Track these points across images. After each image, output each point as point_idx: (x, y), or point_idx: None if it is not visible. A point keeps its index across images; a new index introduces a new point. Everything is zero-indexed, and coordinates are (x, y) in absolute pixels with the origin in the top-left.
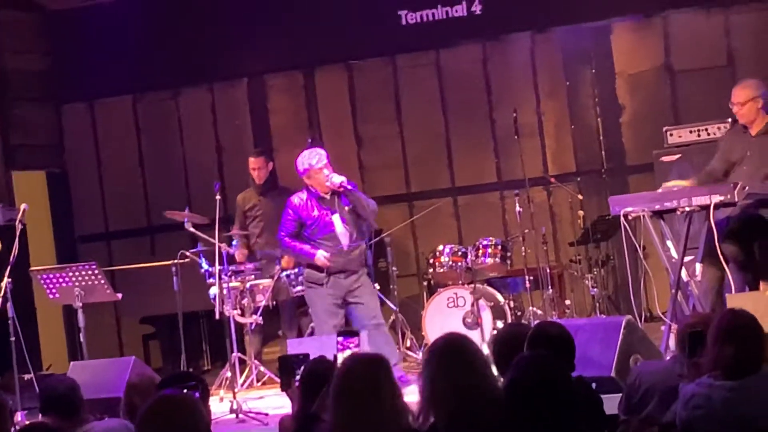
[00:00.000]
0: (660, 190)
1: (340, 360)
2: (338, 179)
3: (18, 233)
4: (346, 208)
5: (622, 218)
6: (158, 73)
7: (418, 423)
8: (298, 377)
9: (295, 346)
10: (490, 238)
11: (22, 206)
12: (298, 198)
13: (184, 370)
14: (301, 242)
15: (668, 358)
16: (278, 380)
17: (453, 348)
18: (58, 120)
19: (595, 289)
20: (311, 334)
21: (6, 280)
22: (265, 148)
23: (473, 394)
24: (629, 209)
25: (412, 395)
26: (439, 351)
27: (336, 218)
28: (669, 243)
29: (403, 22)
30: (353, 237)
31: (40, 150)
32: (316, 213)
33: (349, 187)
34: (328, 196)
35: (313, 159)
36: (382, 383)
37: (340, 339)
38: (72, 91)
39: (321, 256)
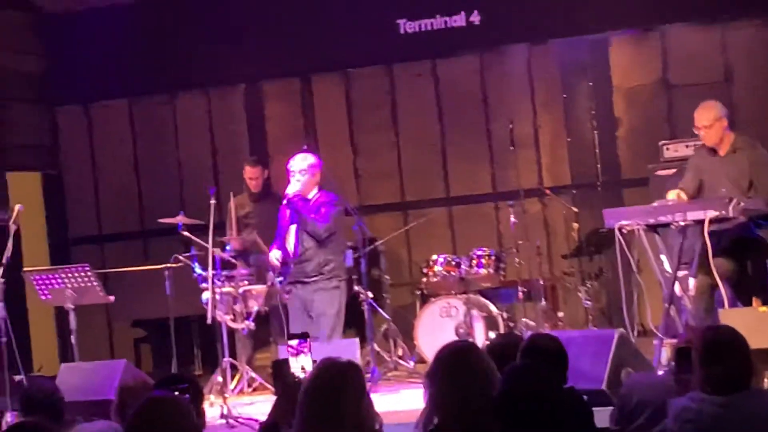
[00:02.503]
0: (655, 204)
1: (293, 365)
2: (290, 188)
3: (11, 234)
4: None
5: (616, 231)
6: (154, 77)
7: (421, 425)
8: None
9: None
10: (484, 249)
11: (17, 207)
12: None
13: (177, 372)
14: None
15: (661, 372)
16: (269, 386)
17: (461, 355)
18: (53, 122)
19: (589, 302)
20: None
21: None
22: (260, 154)
23: (478, 400)
24: (624, 222)
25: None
26: (446, 357)
27: (293, 227)
28: (663, 257)
29: (401, 31)
30: (304, 247)
31: (35, 151)
32: (287, 219)
33: (293, 200)
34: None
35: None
36: (347, 389)
37: (292, 343)
38: (68, 94)
39: (273, 255)
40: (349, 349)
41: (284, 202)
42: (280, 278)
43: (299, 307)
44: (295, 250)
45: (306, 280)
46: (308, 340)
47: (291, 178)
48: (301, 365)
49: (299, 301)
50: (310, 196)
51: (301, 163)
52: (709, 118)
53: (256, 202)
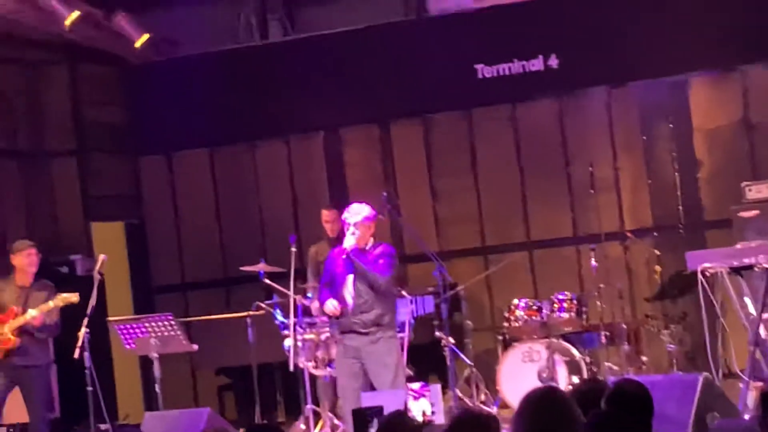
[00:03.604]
0: (739, 246)
1: (412, 408)
2: (346, 242)
3: (96, 283)
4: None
5: (699, 274)
6: (235, 126)
7: None
8: (373, 430)
9: (369, 399)
10: (566, 293)
11: (101, 257)
12: (336, 250)
13: (262, 423)
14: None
15: (747, 417)
16: None
17: (546, 401)
18: (136, 172)
19: (672, 346)
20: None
21: (83, 330)
22: (340, 201)
23: None
24: (707, 265)
25: None
26: (532, 403)
27: (350, 277)
28: (747, 299)
29: (480, 76)
30: (362, 299)
31: (119, 201)
32: (341, 268)
33: (351, 254)
34: (348, 260)
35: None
36: None
37: (414, 386)
38: (150, 144)
39: (330, 303)
40: (432, 395)
41: (343, 256)
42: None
43: (351, 357)
44: (353, 302)
45: (362, 330)
46: (429, 385)
47: (346, 231)
48: (422, 409)
49: (352, 351)
50: (366, 248)
51: (356, 215)
52: None
53: (334, 247)
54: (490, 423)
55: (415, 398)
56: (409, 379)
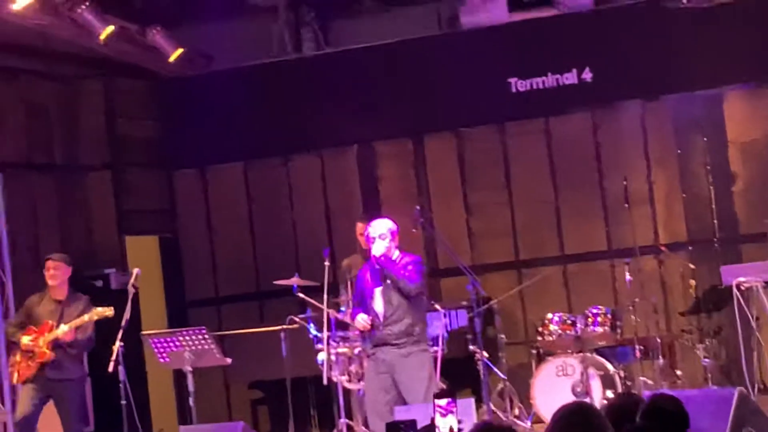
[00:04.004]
0: None
1: (440, 425)
2: (376, 250)
3: (130, 297)
4: (387, 281)
5: (734, 288)
6: (269, 140)
7: None
8: None
9: (402, 413)
10: (600, 307)
11: (135, 271)
12: (364, 268)
13: None
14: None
15: None
16: None
17: (579, 415)
18: (170, 186)
19: (707, 360)
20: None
21: (118, 343)
22: (373, 214)
23: None
24: (742, 279)
25: None
26: (565, 417)
27: (378, 290)
28: None
29: (513, 90)
30: (392, 309)
31: (153, 215)
32: (369, 282)
33: (381, 260)
34: (378, 267)
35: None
36: None
37: (440, 402)
38: (184, 158)
39: (360, 317)
40: (465, 410)
41: (375, 265)
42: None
43: (383, 372)
44: (384, 313)
45: (395, 342)
46: (456, 399)
47: (372, 244)
48: (449, 425)
49: (384, 366)
50: (394, 258)
51: (381, 227)
52: None
53: (367, 260)
54: None
55: (443, 414)
56: (440, 395)
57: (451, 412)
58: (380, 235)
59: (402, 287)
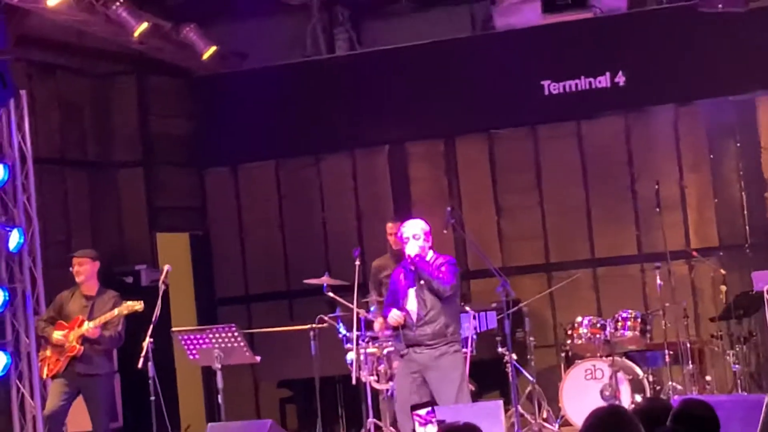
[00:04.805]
0: None
1: None
2: (410, 249)
3: (161, 294)
4: (421, 281)
5: (765, 294)
6: (300, 139)
7: None
8: None
9: (444, 413)
10: (630, 311)
11: (166, 267)
12: (397, 270)
13: None
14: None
15: None
16: None
17: (611, 419)
18: (201, 183)
19: (737, 366)
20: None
21: (148, 340)
22: (404, 215)
23: None
24: None
25: None
26: (596, 421)
27: (412, 291)
28: None
29: (546, 93)
30: (426, 309)
31: (184, 212)
32: (402, 282)
33: (415, 260)
34: (412, 267)
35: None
36: None
37: (420, 412)
38: (215, 156)
39: (394, 312)
40: (494, 412)
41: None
42: (393, 341)
43: (414, 372)
44: (418, 313)
45: (428, 343)
46: (434, 408)
47: (405, 244)
48: None
49: (415, 366)
50: (428, 259)
51: (415, 228)
52: None
53: (398, 262)
54: None
55: (422, 424)
56: (417, 406)
57: (430, 422)
58: (414, 235)
59: (436, 288)
